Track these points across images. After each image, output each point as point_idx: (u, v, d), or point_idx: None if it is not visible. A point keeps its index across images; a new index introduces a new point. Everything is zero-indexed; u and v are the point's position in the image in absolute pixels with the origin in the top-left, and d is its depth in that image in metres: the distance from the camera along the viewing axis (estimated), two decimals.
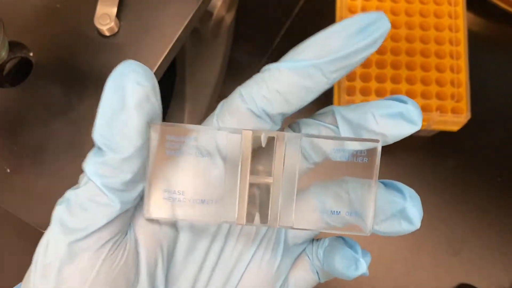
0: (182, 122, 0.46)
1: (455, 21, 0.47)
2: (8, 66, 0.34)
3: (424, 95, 0.45)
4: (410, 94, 0.45)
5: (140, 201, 0.19)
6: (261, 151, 0.19)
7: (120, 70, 0.17)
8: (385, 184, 0.20)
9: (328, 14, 0.49)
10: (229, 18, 0.44)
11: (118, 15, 0.32)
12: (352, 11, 0.48)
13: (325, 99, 0.45)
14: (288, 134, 0.18)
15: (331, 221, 0.20)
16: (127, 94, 0.17)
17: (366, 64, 0.46)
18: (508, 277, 0.46)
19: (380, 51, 0.46)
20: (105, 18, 0.32)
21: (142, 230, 0.19)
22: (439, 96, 0.45)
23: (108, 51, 0.32)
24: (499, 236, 0.47)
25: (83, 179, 0.18)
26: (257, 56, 0.50)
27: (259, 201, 0.20)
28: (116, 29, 0.33)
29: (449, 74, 0.46)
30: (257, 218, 0.19)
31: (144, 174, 0.18)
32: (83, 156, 0.30)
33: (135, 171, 0.17)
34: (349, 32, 0.17)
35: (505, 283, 0.46)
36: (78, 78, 0.32)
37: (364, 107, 0.19)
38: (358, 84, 0.45)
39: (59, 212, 0.18)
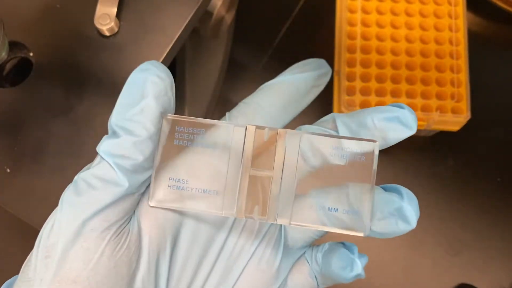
0: None
1: (455, 21, 0.47)
2: (8, 66, 0.34)
3: (424, 95, 0.45)
4: (410, 94, 0.45)
5: (146, 190, 0.20)
6: (265, 147, 0.20)
7: (143, 66, 0.19)
8: (383, 188, 0.20)
9: (328, 14, 0.49)
10: (229, 18, 0.44)
11: (118, 15, 0.32)
12: (352, 11, 0.48)
13: (325, 99, 0.45)
14: (290, 131, 0.19)
15: (329, 219, 0.20)
16: (147, 85, 0.18)
17: (366, 64, 0.46)
18: (508, 277, 0.46)
19: (380, 51, 0.46)
20: (105, 18, 0.32)
21: (146, 218, 0.19)
22: (439, 96, 0.45)
23: (108, 51, 0.32)
24: (499, 236, 0.47)
25: (95, 161, 0.18)
26: (257, 56, 0.50)
27: (260, 196, 0.20)
28: (116, 29, 0.33)
29: (449, 74, 0.46)
30: (256, 211, 0.19)
31: (152, 162, 0.19)
32: (83, 156, 0.31)
33: (146, 156, 0.18)
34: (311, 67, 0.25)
35: (505, 283, 0.46)
36: (78, 78, 0.32)
37: (364, 112, 0.20)
38: (358, 84, 0.45)
39: (67, 194, 0.18)
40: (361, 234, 0.19)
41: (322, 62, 0.26)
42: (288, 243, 0.22)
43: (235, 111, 0.22)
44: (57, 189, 0.30)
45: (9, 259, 0.47)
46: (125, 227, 0.18)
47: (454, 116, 0.44)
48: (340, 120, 0.21)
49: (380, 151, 0.20)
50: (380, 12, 0.48)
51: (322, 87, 0.25)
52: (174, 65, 0.45)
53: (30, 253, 0.19)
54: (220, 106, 0.50)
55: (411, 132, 0.20)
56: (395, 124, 0.20)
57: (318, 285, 0.23)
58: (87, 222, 0.17)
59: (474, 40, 0.48)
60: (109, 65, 0.32)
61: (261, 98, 0.22)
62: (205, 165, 0.20)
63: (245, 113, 0.21)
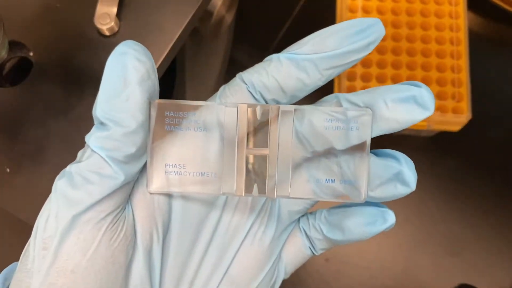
0: None
1: (456, 21, 0.47)
2: (8, 65, 0.34)
3: None
4: None
5: (137, 177, 0.19)
6: (258, 125, 0.20)
7: (120, 49, 0.18)
8: (376, 154, 0.20)
9: (328, 14, 0.49)
10: (229, 18, 0.44)
11: (118, 14, 0.32)
12: (352, 11, 0.48)
13: (323, 94, 0.44)
14: (282, 106, 0.19)
15: (326, 189, 0.20)
16: (129, 71, 0.17)
17: (366, 63, 0.46)
18: (508, 277, 0.46)
19: (381, 51, 0.46)
20: (105, 17, 0.32)
21: (138, 205, 0.19)
22: (439, 96, 0.45)
23: (108, 50, 0.32)
24: (499, 236, 0.47)
25: (85, 154, 0.18)
26: (257, 56, 0.50)
27: (257, 173, 0.20)
28: (116, 29, 0.32)
29: (449, 74, 0.46)
30: (255, 189, 0.19)
31: (145, 150, 0.19)
32: None
33: (138, 145, 0.18)
34: (346, 33, 0.18)
35: (505, 283, 0.46)
36: (78, 78, 0.32)
37: (374, 92, 0.19)
38: (359, 84, 0.45)
39: (61, 185, 0.18)
40: (358, 201, 0.19)
41: (362, 29, 0.19)
42: (281, 217, 0.22)
43: (228, 88, 0.21)
44: None
45: (9, 259, 0.47)
46: (120, 215, 0.18)
47: (455, 116, 0.44)
48: (345, 98, 0.20)
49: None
50: (380, 12, 0.48)
51: (350, 65, 0.19)
52: (174, 64, 0.45)
53: (27, 243, 0.19)
54: None
55: (429, 113, 0.19)
56: (411, 104, 0.18)
57: (314, 252, 0.23)
58: (82, 214, 0.18)
59: (475, 40, 0.48)
60: None
61: (256, 75, 0.20)
62: (200, 148, 0.19)
63: (236, 92, 0.20)
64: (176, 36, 0.32)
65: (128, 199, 0.19)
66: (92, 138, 0.18)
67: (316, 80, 0.19)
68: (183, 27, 0.32)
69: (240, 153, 0.19)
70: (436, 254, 0.46)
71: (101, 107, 0.18)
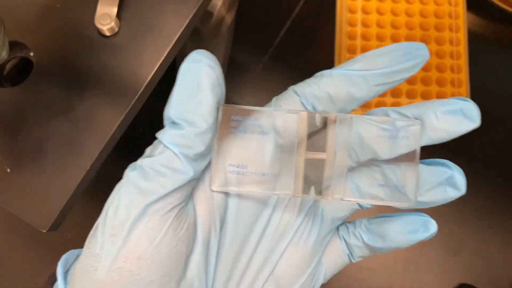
0: None
1: (455, 21, 0.47)
2: (8, 66, 0.34)
3: (424, 95, 0.45)
4: (410, 94, 0.45)
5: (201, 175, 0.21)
6: (315, 131, 0.22)
7: (194, 56, 0.20)
8: (423, 162, 0.22)
9: (328, 14, 0.49)
10: (229, 18, 0.44)
11: (118, 15, 0.32)
12: (352, 11, 0.48)
13: None
14: (340, 115, 0.21)
15: (377, 193, 0.22)
16: (202, 77, 0.19)
17: None
18: (508, 277, 0.46)
19: None
20: (106, 18, 0.32)
21: (199, 201, 0.21)
22: (439, 96, 0.45)
23: (108, 51, 0.32)
24: (499, 236, 0.47)
25: (157, 149, 0.20)
26: (257, 56, 0.50)
27: (313, 175, 0.22)
28: (116, 29, 0.33)
29: (449, 74, 0.46)
30: (312, 190, 0.21)
31: (211, 150, 0.20)
32: (83, 156, 0.31)
33: (207, 145, 0.20)
34: (395, 55, 0.21)
35: (505, 283, 0.46)
36: (78, 78, 0.32)
37: (424, 105, 0.21)
38: None
39: (134, 177, 0.19)
40: (408, 206, 0.21)
41: (410, 51, 0.21)
42: (324, 222, 0.24)
43: (281, 99, 0.22)
44: (57, 189, 0.30)
45: (9, 258, 0.47)
46: (184, 209, 0.20)
47: None
48: (393, 110, 0.21)
49: None
50: (380, 13, 0.48)
51: (397, 83, 0.21)
52: (175, 65, 0.45)
53: (93, 230, 0.20)
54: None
55: (475, 125, 0.21)
56: (459, 116, 0.21)
57: (352, 259, 0.25)
58: (153, 205, 0.19)
59: (474, 40, 0.48)
60: (109, 65, 0.32)
61: (308, 88, 0.22)
62: (261, 150, 0.21)
63: (289, 103, 0.22)
64: (177, 36, 0.32)
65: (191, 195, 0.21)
66: (166, 135, 0.20)
67: (365, 94, 0.21)
68: (183, 27, 0.32)
69: (299, 156, 0.21)
70: (436, 254, 0.47)
71: (175, 108, 0.19)
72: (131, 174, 0.20)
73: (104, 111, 0.31)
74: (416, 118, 0.21)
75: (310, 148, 0.21)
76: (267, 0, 0.53)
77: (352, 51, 0.46)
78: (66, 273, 0.21)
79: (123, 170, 0.20)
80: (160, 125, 0.19)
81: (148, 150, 0.21)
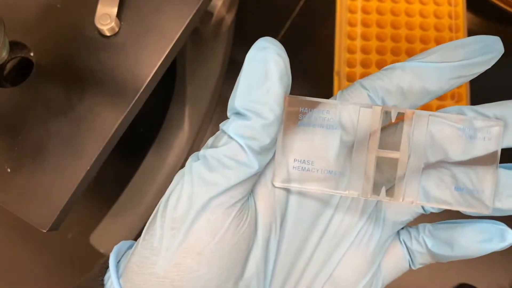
0: (182, 122, 0.46)
1: (455, 21, 0.47)
2: (8, 66, 0.34)
3: None
4: None
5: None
6: (387, 128, 0.20)
7: (261, 44, 0.19)
8: (507, 167, 0.20)
9: (328, 14, 0.49)
10: (229, 18, 0.44)
11: (118, 15, 0.32)
12: (352, 11, 0.48)
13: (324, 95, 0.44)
14: (418, 111, 0.19)
15: (453, 198, 0.20)
16: (270, 65, 0.18)
17: (366, 64, 0.46)
18: (508, 277, 0.46)
19: (380, 52, 0.46)
20: (106, 18, 0.32)
21: (261, 197, 0.20)
22: (439, 96, 0.45)
23: (108, 51, 0.32)
24: None
25: (221, 140, 0.19)
26: None
27: (382, 176, 0.20)
28: (116, 29, 0.33)
29: None
30: (383, 191, 0.19)
31: (275, 143, 0.19)
32: (83, 156, 0.31)
33: (273, 137, 0.18)
34: (472, 48, 0.20)
35: (505, 283, 0.46)
36: (79, 78, 0.32)
37: (505, 104, 0.20)
38: None
39: (198, 167, 0.18)
40: (485, 212, 0.19)
41: (487, 44, 0.20)
42: (386, 225, 0.22)
43: (347, 93, 0.21)
44: (57, 188, 0.30)
45: (9, 258, 0.47)
46: (246, 204, 0.19)
47: None
48: (471, 109, 0.20)
49: None
50: (380, 13, 0.48)
51: (471, 77, 0.20)
52: (175, 65, 0.45)
53: (151, 221, 0.19)
54: (220, 106, 0.50)
55: None
56: None
57: (412, 266, 0.23)
58: (217, 198, 0.18)
59: None
60: (110, 65, 0.32)
61: (379, 81, 0.20)
62: (328, 146, 0.20)
63: (356, 97, 0.20)
64: (177, 37, 0.32)
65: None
66: (232, 126, 0.18)
67: (439, 88, 0.20)
68: (183, 27, 0.32)
69: (370, 154, 0.19)
70: None
71: (241, 98, 0.18)
72: (194, 164, 0.18)
73: (104, 111, 0.31)
74: (497, 118, 0.20)
75: (385, 146, 0.20)
76: (267, 0, 0.53)
77: (352, 51, 0.46)
78: (117, 264, 0.20)
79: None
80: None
81: (210, 141, 0.19)
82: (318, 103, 0.19)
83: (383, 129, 0.21)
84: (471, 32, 0.48)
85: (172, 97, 0.47)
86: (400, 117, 0.20)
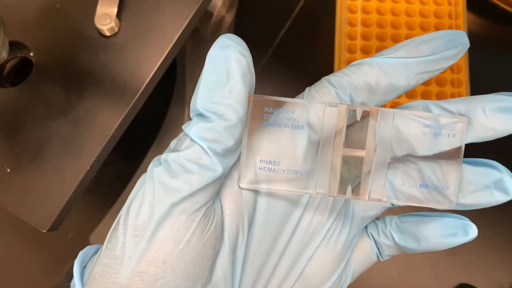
0: (182, 122, 0.46)
1: (455, 21, 0.47)
2: (8, 66, 0.34)
3: (424, 95, 0.45)
4: (410, 94, 0.45)
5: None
6: (353, 125, 0.20)
7: (222, 41, 0.18)
8: (468, 162, 0.21)
9: (328, 14, 0.49)
10: (229, 18, 0.44)
11: (118, 15, 0.32)
12: (352, 11, 0.48)
13: None
14: (382, 109, 0.19)
15: (417, 194, 0.20)
16: (232, 65, 0.18)
17: None
18: (508, 277, 0.46)
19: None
20: (106, 18, 0.32)
21: (227, 199, 0.19)
22: (439, 96, 0.45)
23: (108, 51, 0.32)
24: (499, 236, 0.47)
25: (183, 143, 0.18)
26: (257, 56, 0.50)
27: (349, 174, 0.20)
28: (116, 29, 0.33)
29: (449, 74, 0.46)
30: (349, 190, 0.19)
31: (240, 144, 0.19)
32: (83, 156, 0.31)
33: (237, 139, 0.18)
34: (438, 43, 0.19)
35: (505, 283, 0.46)
36: (78, 78, 0.32)
37: (470, 100, 0.20)
38: None
39: (159, 173, 0.18)
40: (449, 208, 0.20)
41: (453, 39, 0.20)
42: (354, 221, 0.22)
43: (314, 89, 0.20)
44: (57, 188, 0.30)
45: (9, 258, 0.47)
46: (211, 208, 0.19)
47: None
48: (436, 105, 0.20)
49: None
50: (380, 13, 0.48)
51: (438, 72, 0.20)
52: (175, 65, 0.45)
53: (113, 229, 0.19)
54: None
55: None
56: (509, 114, 0.19)
57: (380, 258, 0.23)
58: (179, 204, 0.18)
59: (474, 40, 0.48)
60: (109, 65, 0.32)
61: (346, 78, 0.20)
62: (294, 145, 0.19)
63: (324, 94, 0.20)
64: (177, 37, 0.32)
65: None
66: (194, 128, 0.18)
67: (406, 84, 0.20)
68: (183, 27, 0.32)
69: (336, 153, 0.19)
70: (436, 253, 0.46)
71: (202, 99, 0.18)
72: (156, 170, 0.18)
73: (104, 111, 0.31)
74: (461, 114, 0.20)
75: (350, 144, 0.19)
76: (267, 0, 0.53)
77: (352, 51, 0.46)
78: (83, 270, 0.20)
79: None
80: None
81: (173, 144, 0.19)
82: (284, 102, 0.19)
83: (350, 125, 0.20)
84: (471, 32, 0.48)
85: (172, 97, 0.47)
86: (366, 113, 0.20)
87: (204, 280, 0.19)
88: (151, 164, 0.19)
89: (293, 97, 0.20)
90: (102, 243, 0.20)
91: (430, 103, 0.20)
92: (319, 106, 0.19)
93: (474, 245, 0.47)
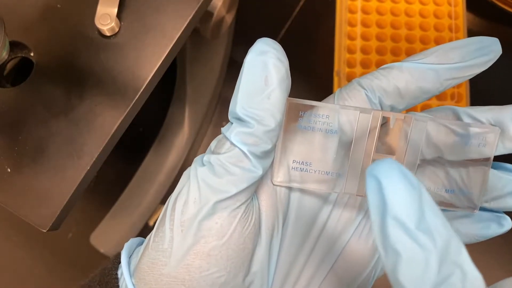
0: (182, 122, 0.46)
1: (455, 21, 0.47)
2: (8, 66, 0.34)
3: None
4: None
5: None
6: (385, 131, 0.21)
7: (260, 47, 0.19)
8: (494, 167, 0.21)
9: (328, 14, 0.49)
10: (229, 18, 0.44)
11: (118, 15, 0.32)
12: (352, 11, 0.48)
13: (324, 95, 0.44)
14: (415, 117, 0.20)
15: (444, 198, 0.21)
16: (270, 71, 0.18)
17: (366, 64, 0.46)
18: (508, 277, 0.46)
19: (380, 52, 0.47)
20: (106, 18, 0.32)
21: (263, 196, 0.21)
22: (438, 97, 0.45)
23: (108, 51, 0.33)
24: (499, 236, 0.47)
25: (224, 146, 0.19)
26: None
27: None
28: (116, 29, 0.33)
29: None
30: None
31: (276, 146, 0.20)
32: (83, 156, 0.31)
33: (274, 143, 0.19)
34: (468, 49, 0.20)
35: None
36: (79, 78, 0.32)
37: (500, 110, 0.20)
38: None
39: (204, 173, 0.19)
40: (469, 211, 0.20)
41: (485, 46, 0.21)
42: None
43: (345, 91, 0.21)
44: (57, 189, 0.30)
45: (9, 258, 0.47)
46: (250, 205, 0.20)
47: None
48: (465, 113, 0.21)
49: None
50: (380, 13, 0.48)
51: (468, 78, 0.21)
52: (175, 65, 0.45)
53: (159, 223, 0.20)
54: (220, 106, 0.50)
55: None
56: None
57: None
58: (222, 202, 0.19)
59: None
60: (110, 65, 0.32)
61: (376, 81, 0.21)
62: (325, 148, 0.20)
63: (354, 96, 0.21)
64: (177, 37, 0.32)
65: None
66: (234, 133, 0.19)
67: (435, 89, 0.20)
68: (183, 28, 0.32)
69: (367, 157, 0.20)
70: None
71: (242, 104, 0.18)
72: (200, 169, 0.19)
73: (104, 111, 0.31)
74: (492, 124, 0.20)
75: (381, 149, 0.20)
76: (267, 0, 0.53)
77: (352, 51, 0.46)
78: (128, 260, 0.21)
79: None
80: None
81: (213, 145, 0.20)
82: (321, 108, 0.20)
83: (383, 130, 0.21)
84: (471, 32, 0.48)
85: (172, 97, 0.47)
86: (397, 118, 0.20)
87: (244, 271, 0.20)
88: (194, 164, 0.20)
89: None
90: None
91: (460, 110, 0.21)
92: (353, 112, 0.20)
93: (474, 245, 0.47)
